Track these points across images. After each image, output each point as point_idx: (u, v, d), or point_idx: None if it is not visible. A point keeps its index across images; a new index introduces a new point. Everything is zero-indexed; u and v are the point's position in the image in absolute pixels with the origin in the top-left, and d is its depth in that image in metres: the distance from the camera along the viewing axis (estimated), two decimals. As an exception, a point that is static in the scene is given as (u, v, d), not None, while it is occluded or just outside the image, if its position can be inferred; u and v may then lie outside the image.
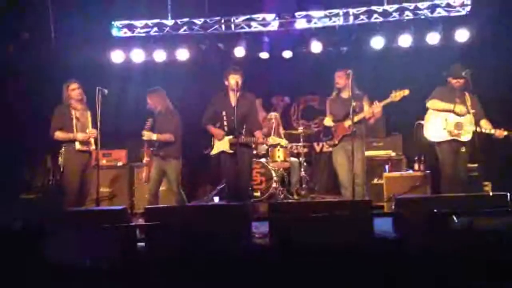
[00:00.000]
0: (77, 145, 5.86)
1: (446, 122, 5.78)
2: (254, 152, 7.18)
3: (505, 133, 5.52)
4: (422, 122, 6.07)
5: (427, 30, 7.31)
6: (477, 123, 5.67)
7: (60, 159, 5.90)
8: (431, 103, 5.87)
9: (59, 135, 5.88)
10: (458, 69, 5.82)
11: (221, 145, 5.92)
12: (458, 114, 5.71)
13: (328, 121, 6.08)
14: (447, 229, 3.98)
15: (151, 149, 6.16)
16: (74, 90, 5.94)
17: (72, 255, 3.34)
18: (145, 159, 6.27)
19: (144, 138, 6.09)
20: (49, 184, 7.30)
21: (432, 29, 7.28)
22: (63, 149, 5.89)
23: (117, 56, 7.82)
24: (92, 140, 5.99)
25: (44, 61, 7.47)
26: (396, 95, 5.76)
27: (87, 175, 5.97)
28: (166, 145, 6.09)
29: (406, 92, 5.75)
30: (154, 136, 6.05)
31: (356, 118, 5.75)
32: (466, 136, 5.70)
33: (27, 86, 7.41)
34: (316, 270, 3.15)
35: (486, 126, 5.67)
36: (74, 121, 5.90)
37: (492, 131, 5.58)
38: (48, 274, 3.19)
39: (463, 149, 5.71)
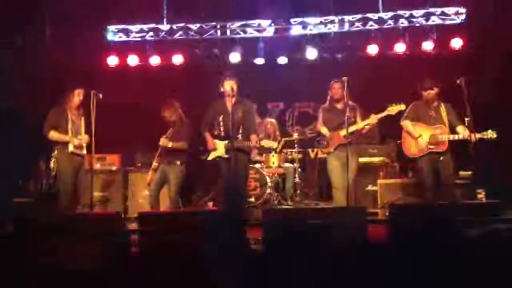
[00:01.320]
0: (71, 148, 5.87)
1: (421, 137, 5.87)
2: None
3: (478, 135, 5.58)
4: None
5: (422, 38, 7.36)
6: (453, 131, 5.79)
7: (53, 162, 5.89)
8: (404, 124, 6.02)
9: (54, 134, 5.89)
10: (427, 81, 5.97)
11: (217, 150, 5.92)
12: (419, 144, 5.83)
13: (324, 130, 6.10)
14: (442, 236, 3.98)
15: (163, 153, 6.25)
16: (79, 96, 6.01)
17: (64, 259, 3.32)
18: (154, 164, 6.29)
19: (160, 144, 6.17)
20: (42, 188, 7.25)
21: (427, 37, 7.33)
22: (56, 151, 5.90)
23: (112, 61, 7.81)
24: (84, 145, 6.01)
25: (39, 65, 7.44)
26: (393, 109, 5.85)
27: (80, 179, 5.97)
28: (174, 151, 6.17)
29: (403, 107, 5.85)
30: (170, 144, 6.12)
31: (350, 129, 5.79)
32: (442, 147, 5.78)
33: (21, 90, 7.38)
34: (309, 276, 3.14)
35: (462, 133, 5.73)
36: (70, 124, 5.93)
37: (466, 136, 5.64)
38: (41, 278, 3.17)
39: (442, 158, 5.80)
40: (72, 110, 6.01)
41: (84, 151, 6.02)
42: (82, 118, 6.07)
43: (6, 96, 7.04)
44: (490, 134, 5.58)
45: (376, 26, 7.49)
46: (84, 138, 5.96)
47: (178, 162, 6.16)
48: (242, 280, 2.95)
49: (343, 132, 5.88)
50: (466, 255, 3.14)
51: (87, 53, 7.60)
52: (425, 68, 7.27)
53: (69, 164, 5.90)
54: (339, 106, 6.07)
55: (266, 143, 6.22)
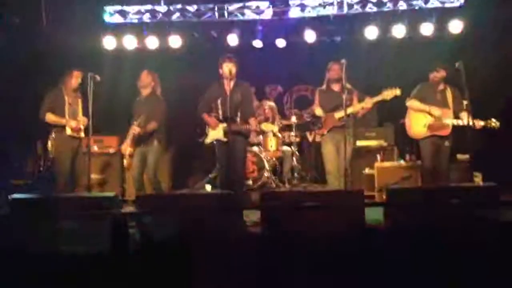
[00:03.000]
0: (68, 131, 5.87)
1: (425, 119, 5.89)
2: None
3: (482, 123, 5.58)
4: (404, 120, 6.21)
5: (421, 21, 7.31)
6: (456, 116, 5.80)
7: (50, 145, 5.87)
8: (410, 103, 6.02)
9: (50, 117, 5.87)
10: (435, 62, 5.98)
11: (215, 133, 5.90)
12: (433, 116, 5.83)
13: (319, 111, 6.08)
14: (438, 219, 4.00)
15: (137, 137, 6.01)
16: (77, 78, 5.97)
17: (62, 241, 3.33)
18: (129, 150, 6.04)
19: (134, 132, 5.94)
20: (39, 171, 7.26)
21: (426, 20, 7.28)
22: (53, 134, 5.89)
23: (109, 42, 7.75)
24: (82, 127, 5.97)
25: (35, 47, 7.38)
26: (388, 94, 5.80)
27: (77, 161, 5.96)
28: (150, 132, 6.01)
29: (398, 92, 5.79)
30: (141, 131, 5.92)
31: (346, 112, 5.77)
32: (446, 131, 5.80)
33: (18, 73, 7.33)
34: (307, 258, 3.16)
35: (465, 119, 5.73)
36: (67, 106, 5.91)
37: (471, 123, 5.65)
38: (39, 259, 3.18)
39: (446, 144, 5.83)
40: (70, 92, 5.98)
41: (82, 134, 5.99)
42: (80, 101, 6.03)
43: (3, 78, 6.99)
44: (494, 123, 5.59)
45: (375, 9, 7.43)
46: (82, 120, 5.94)
47: (156, 142, 6.01)
48: (242, 262, 2.97)
49: (338, 115, 5.89)
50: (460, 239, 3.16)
51: (84, 35, 7.53)
52: (424, 51, 7.25)
53: (66, 146, 5.89)
54: (336, 88, 6.06)
55: (266, 126, 6.22)
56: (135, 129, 5.91)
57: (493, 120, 5.60)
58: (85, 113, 5.89)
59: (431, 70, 5.95)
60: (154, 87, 6.16)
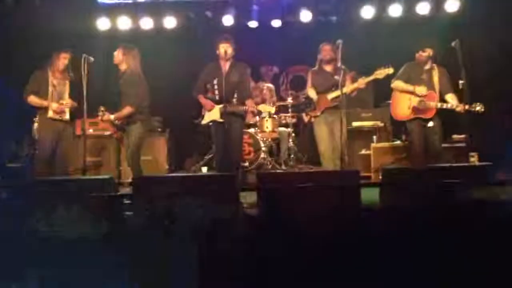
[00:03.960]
0: (50, 113, 5.74)
1: (410, 101, 5.86)
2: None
3: (466, 107, 5.56)
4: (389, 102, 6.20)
5: (417, 0, 7.26)
6: (442, 98, 5.78)
7: (34, 127, 5.82)
8: (395, 85, 5.99)
9: (33, 99, 5.76)
10: (422, 41, 5.92)
11: (212, 114, 5.87)
12: (418, 96, 5.80)
13: (311, 93, 6.06)
14: (434, 200, 4.01)
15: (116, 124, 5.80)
16: (65, 59, 5.84)
17: (58, 224, 3.33)
18: (116, 135, 6.03)
19: (103, 120, 5.76)
20: (34, 153, 7.23)
21: (422, -1, 7.24)
22: (37, 116, 5.83)
23: (102, 23, 7.67)
24: (67, 110, 5.83)
25: (28, 28, 7.30)
26: (381, 73, 5.80)
27: (63, 145, 5.83)
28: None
29: (391, 70, 5.79)
30: (112, 117, 5.68)
31: (338, 92, 5.74)
32: (430, 113, 5.77)
33: (11, 55, 7.26)
34: (304, 239, 3.17)
35: (451, 101, 5.73)
36: (51, 88, 5.78)
37: (454, 106, 5.64)
38: (36, 243, 3.18)
39: (430, 124, 5.80)
40: (56, 74, 5.85)
41: (67, 116, 5.84)
42: (67, 82, 5.89)
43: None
44: (479, 106, 5.56)
45: (371, -12, 7.38)
46: (67, 103, 5.81)
47: (138, 122, 5.72)
48: (239, 244, 2.98)
49: (330, 95, 5.89)
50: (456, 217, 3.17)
51: (77, 16, 7.44)
52: (420, 31, 7.20)
53: (48, 129, 5.77)
54: (328, 69, 6.04)
55: (263, 107, 6.19)
56: (102, 121, 5.80)
57: (478, 104, 5.56)
58: (76, 95, 5.76)
59: (417, 49, 5.88)
60: (130, 64, 5.78)
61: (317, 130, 6.07)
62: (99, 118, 5.72)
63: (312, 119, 6.16)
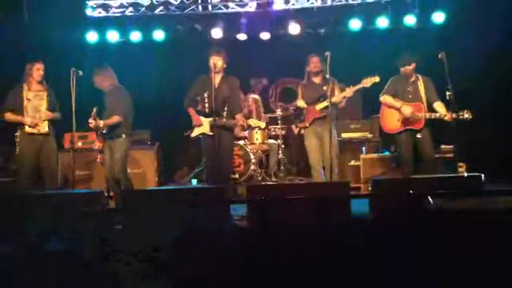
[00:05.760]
0: (27, 128, 5.64)
1: (398, 113, 5.90)
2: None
3: (454, 115, 5.62)
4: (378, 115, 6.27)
5: (404, 12, 7.35)
6: (430, 109, 5.82)
7: (16, 143, 5.75)
8: (383, 99, 6.03)
9: (9, 116, 5.68)
10: (404, 56, 5.97)
11: (201, 127, 5.87)
12: (403, 114, 5.82)
13: (301, 103, 6.12)
14: (423, 210, 4.04)
15: (102, 132, 5.84)
16: (38, 71, 5.72)
17: (47, 237, 3.30)
18: (98, 145, 5.95)
19: (91, 126, 5.74)
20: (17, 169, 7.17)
21: (409, 11, 7.32)
22: (18, 131, 5.70)
23: (91, 37, 7.68)
24: (45, 123, 5.69)
25: (17, 42, 7.26)
26: (367, 81, 5.90)
27: (45, 159, 5.73)
28: (114, 125, 5.78)
29: (377, 79, 5.89)
30: (101, 123, 5.68)
31: (327, 103, 5.81)
32: (418, 124, 5.81)
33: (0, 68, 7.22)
34: (294, 251, 3.16)
35: (439, 110, 5.78)
36: (25, 102, 5.66)
37: (443, 116, 5.69)
38: (24, 256, 3.15)
39: (418, 136, 5.83)
40: (32, 86, 5.72)
41: (46, 129, 5.70)
42: (45, 94, 5.75)
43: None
44: (467, 114, 5.62)
45: (358, 0, 7.45)
46: (41, 115, 5.66)
47: (123, 135, 5.76)
48: (228, 256, 2.97)
49: (319, 106, 5.96)
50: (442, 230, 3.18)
51: (66, 29, 7.43)
52: (407, 42, 7.28)
53: (27, 145, 5.67)
54: (317, 80, 6.13)
55: (254, 122, 6.19)
56: (91, 123, 5.70)
57: (465, 111, 5.62)
58: (51, 109, 5.71)
59: (402, 64, 5.93)
60: (108, 83, 5.88)
61: (307, 142, 6.12)
62: (91, 118, 5.67)
63: (302, 131, 6.20)
